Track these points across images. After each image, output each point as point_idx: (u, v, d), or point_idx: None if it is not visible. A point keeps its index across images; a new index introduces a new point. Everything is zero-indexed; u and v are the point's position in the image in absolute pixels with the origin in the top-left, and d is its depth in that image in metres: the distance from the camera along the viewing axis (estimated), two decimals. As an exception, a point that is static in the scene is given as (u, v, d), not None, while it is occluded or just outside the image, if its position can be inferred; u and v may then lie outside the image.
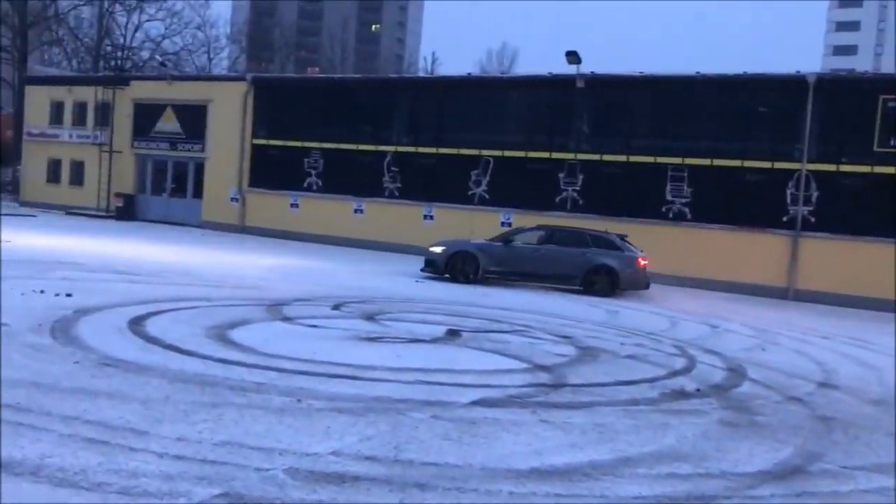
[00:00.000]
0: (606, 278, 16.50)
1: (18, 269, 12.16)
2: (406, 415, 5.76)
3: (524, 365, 8.09)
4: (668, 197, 20.95)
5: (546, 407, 6.36)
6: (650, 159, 21.21)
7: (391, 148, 24.87)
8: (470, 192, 23.51)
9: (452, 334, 9.48)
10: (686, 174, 20.81)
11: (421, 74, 51.56)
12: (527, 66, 62.98)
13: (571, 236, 17.37)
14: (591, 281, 16.50)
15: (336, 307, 11.20)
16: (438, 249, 17.26)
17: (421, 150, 24.43)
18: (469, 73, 29.03)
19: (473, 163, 23.46)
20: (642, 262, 16.83)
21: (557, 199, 22.27)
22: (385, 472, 4.54)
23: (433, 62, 64.46)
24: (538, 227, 18.23)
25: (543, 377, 7.57)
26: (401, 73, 55.06)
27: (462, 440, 5.26)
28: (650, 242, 18.69)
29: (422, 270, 17.26)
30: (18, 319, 8.11)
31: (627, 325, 12.08)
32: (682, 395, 7.32)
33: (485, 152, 23.32)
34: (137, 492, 3.93)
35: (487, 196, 23.31)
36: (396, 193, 24.72)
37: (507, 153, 23.13)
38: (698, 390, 7.54)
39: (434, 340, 9.11)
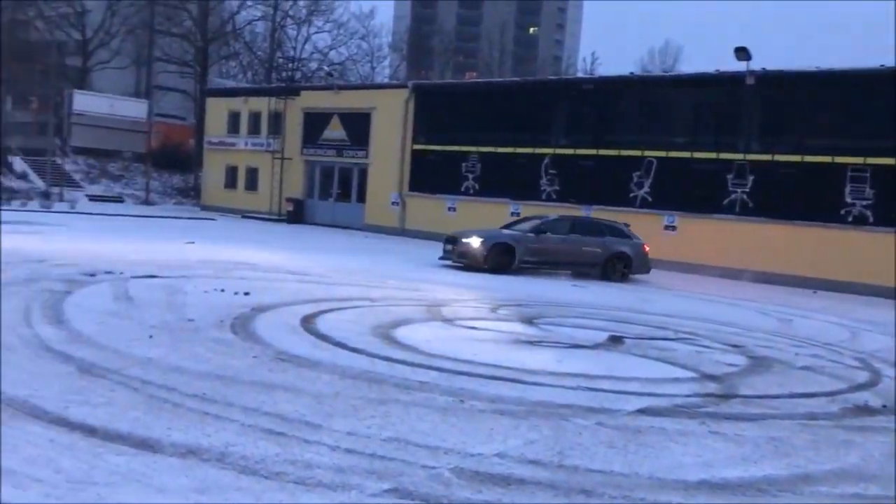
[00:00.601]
0: (622, 264, 17.82)
1: (202, 269, 13.06)
2: (569, 420, 5.68)
3: (691, 374, 7.79)
4: (848, 199, 19.60)
5: (716, 418, 6.09)
6: (827, 159, 19.93)
7: (549, 150, 24.76)
8: (631, 195, 23.02)
9: (615, 340, 9.27)
10: (868, 175, 19.39)
11: (580, 75, 50.96)
12: (691, 64, 60.68)
13: (591, 226, 18.66)
14: (609, 268, 17.64)
15: (494, 310, 11.25)
16: (476, 241, 17.07)
17: (580, 151, 24.18)
18: (631, 73, 28.41)
19: (635, 164, 22.95)
20: (647, 249, 18.41)
21: (725, 202, 21.38)
22: (549, 477, 4.49)
23: (593, 62, 63.72)
24: (561, 218, 18.98)
25: (712, 387, 7.25)
26: (559, 74, 54.68)
27: (627, 448, 5.13)
28: (825, 248, 17.55)
29: (441, 259, 17.61)
30: (203, 316, 8.70)
31: (801, 334, 11.39)
32: (865, 410, 6.80)
33: (647, 153, 22.76)
34: (312, 482, 4.09)
35: (650, 198, 22.72)
36: (554, 196, 24.59)
37: (672, 154, 22.46)
38: (884, 406, 6.98)
39: (596, 346, 8.96)
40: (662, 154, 22.59)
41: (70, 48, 48.50)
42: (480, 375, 6.81)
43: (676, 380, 7.47)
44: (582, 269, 17.71)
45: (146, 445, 4.44)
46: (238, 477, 4.09)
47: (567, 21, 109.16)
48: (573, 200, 23.94)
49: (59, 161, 37.29)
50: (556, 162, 24.60)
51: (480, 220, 25.50)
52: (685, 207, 21.91)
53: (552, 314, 11.33)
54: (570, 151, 24.41)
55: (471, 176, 26.51)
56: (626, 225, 18.63)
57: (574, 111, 25.06)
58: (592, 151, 23.93)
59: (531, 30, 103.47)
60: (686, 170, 22.08)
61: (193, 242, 18.27)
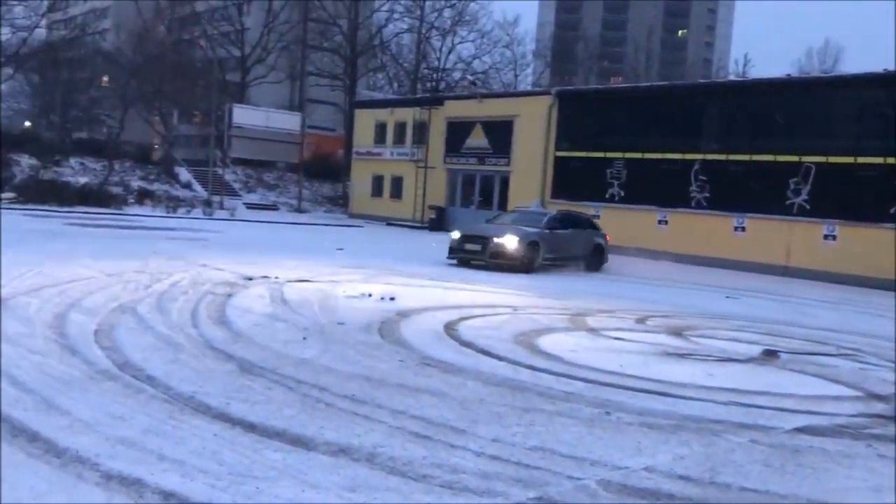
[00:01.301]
0: (599, 256, 18.80)
1: (351, 274, 13.50)
2: (721, 436, 5.46)
3: (855, 392, 7.30)
4: None
5: (884, 440, 5.67)
6: None
7: (699, 156, 23.94)
8: (788, 202, 21.87)
9: (770, 354, 8.82)
10: None
11: (731, 78, 49.02)
12: (853, 64, 57.06)
13: (577, 220, 19.28)
14: (593, 260, 18.53)
15: (640, 321, 10.98)
16: (512, 239, 16.64)
17: (732, 157, 23.23)
18: (788, 75, 27.03)
19: (792, 170, 21.81)
20: (609, 239, 19.40)
21: (893, 210, 19.91)
22: (700, 494, 4.33)
23: (745, 65, 61.15)
24: (560, 213, 19.23)
25: (879, 407, 6.76)
26: (709, 77, 52.86)
27: (785, 469, 4.87)
28: None
29: (450, 258, 17.31)
30: (352, 319, 8.99)
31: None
32: None
33: (805, 158, 21.57)
34: (458, 487, 4.13)
35: (808, 206, 21.51)
36: (704, 203, 23.74)
37: (832, 159, 21.17)
38: None
39: (749, 360, 8.56)
40: (822, 159, 21.35)
41: (230, 65, 51.48)
42: (627, 387, 6.66)
43: (838, 398, 7.02)
44: (579, 262, 18.24)
45: (301, 443, 4.63)
46: (387, 477, 4.19)
47: (717, 22, 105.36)
48: (724, 209, 23.02)
49: (219, 171, 39.64)
50: (706, 168, 23.75)
51: (626, 228, 25.03)
52: (848, 215, 20.59)
53: (702, 326, 10.93)
54: (721, 157, 23.50)
55: (616, 183, 26.04)
56: (596, 217, 19.83)
57: (726, 115, 24.09)
58: (745, 157, 22.93)
59: (679, 32, 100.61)
60: (849, 176, 20.76)
61: (342, 249, 18.93)
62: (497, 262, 16.54)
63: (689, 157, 24.15)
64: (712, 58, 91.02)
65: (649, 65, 71.74)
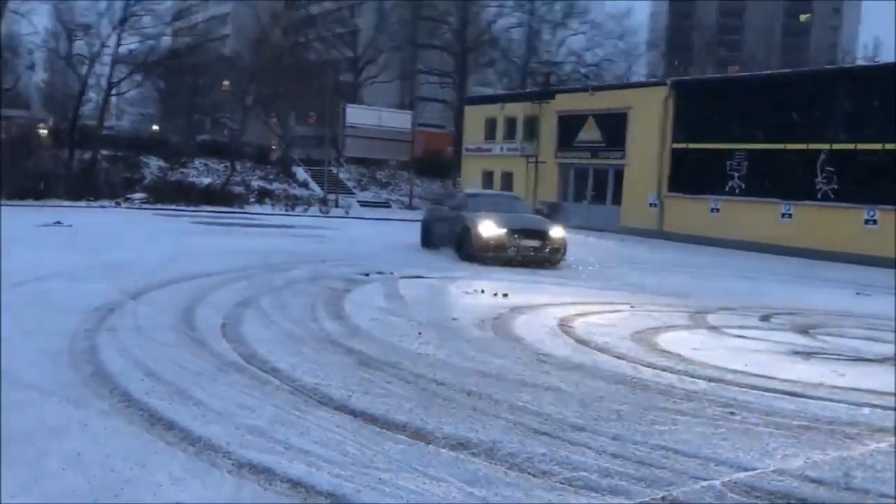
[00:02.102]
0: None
1: (461, 271, 13.57)
2: (856, 439, 5.17)
3: None
4: None
5: None
6: None
7: (825, 145, 22.74)
8: (925, 194, 20.52)
9: (907, 354, 8.31)
10: None
11: (861, 63, 46.46)
12: None
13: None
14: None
15: (764, 318, 10.54)
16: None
17: (861, 146, 21.95)
18: (922, 57, 25.34)
19: (928, 159, 20.44)
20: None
21: None
22: (835, 499, 4.12)
23: (875, 48, 57.82)
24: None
25: None
26: (836, 63, 50.21)
27: (930, 476, 4.56)
28: None
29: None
30: (465, 315, 9.03)
31: None
32: None
33: (944, 147, 20.17)
34: (579, 484, 4.08)
35: (946, 197, 20.12)
36: (832, 195, 22.54)
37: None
38: None
39: (883, 360, 8.08)
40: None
41: (343, 66, 52.69)
42: (753, 387, 6.40)
43: None
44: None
45: (420, 436, 4.68)
46: (507, 473, 4.18)
47: (844, 5, 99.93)
48: (853, 201, 21.82)
49: (334, 170, 40.66)
50: (835, 158, 22.54)
51: (747, 221, 24.12)
52: None
53: (831, 323, 10.40)
54: (850, 146, 22.25)
55: (736, 175, 25.09)
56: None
57: (855, 102, 22.76)
58: (877, 146, 21.62)
59: (802, 17, 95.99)
60: None
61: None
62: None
63: (814, 146, 23.00)
64: (838, 42, 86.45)
65: (770, 52, 68.84)
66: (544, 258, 14.79)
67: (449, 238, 15.70)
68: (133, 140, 40.93)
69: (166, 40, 48.28)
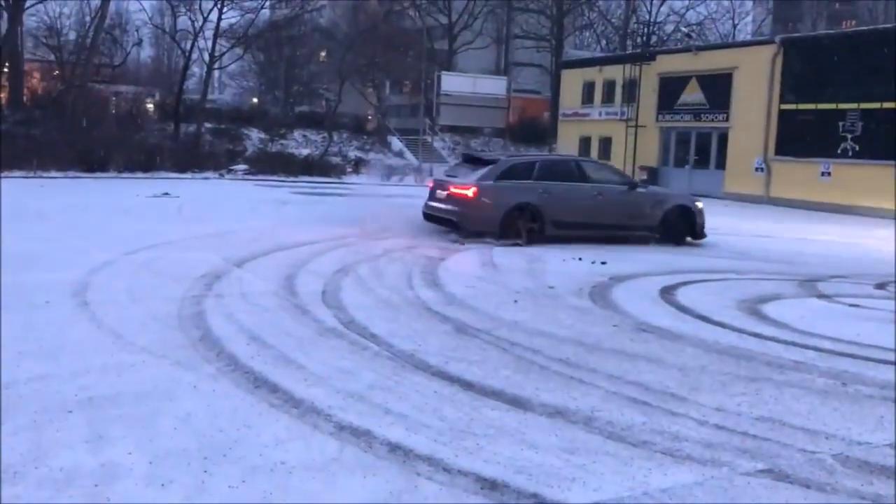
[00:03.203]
0: None
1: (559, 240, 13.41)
2: (981, 415, 4.87)
3: None
4: None
5: None
6: None
7: (948, 103, 21.31)
8: None
9: None
10: None
11: None
12: None
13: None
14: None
15: (880, 286, 10.02)
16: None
17: None
18: None
19: None
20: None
21: None
22: (957, 478, 3.89)
23: None
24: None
25: None
26: (959, 15, 46.84)
27: None
28: None
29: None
30: (562, 283, 8.94)
31: None
32: None
33: None
34: (681, 455, 3.99)
35: None
36: (953, 157, 21.16)
37: None
38: None
39: None
40: None
41: (438, 33, 52.51)
42: (866, 357, 6.11)
43: None
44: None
45: (517, 403, 4.68)
46: (605, 441, 4.13)
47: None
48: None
49: (429, 139, 40.78)
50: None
51: (860, 185, 22.93)
52: None
53: (953, 292, 9.80)
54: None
55: (849, 136, 23.80)
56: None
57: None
58: None
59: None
60: None
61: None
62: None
63: (936, 104, 21.57)
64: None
65: (888, 5, 64.69)
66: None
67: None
68: (234, 113, 42.01)
69: (265, 13, 49.21)
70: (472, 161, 14.24)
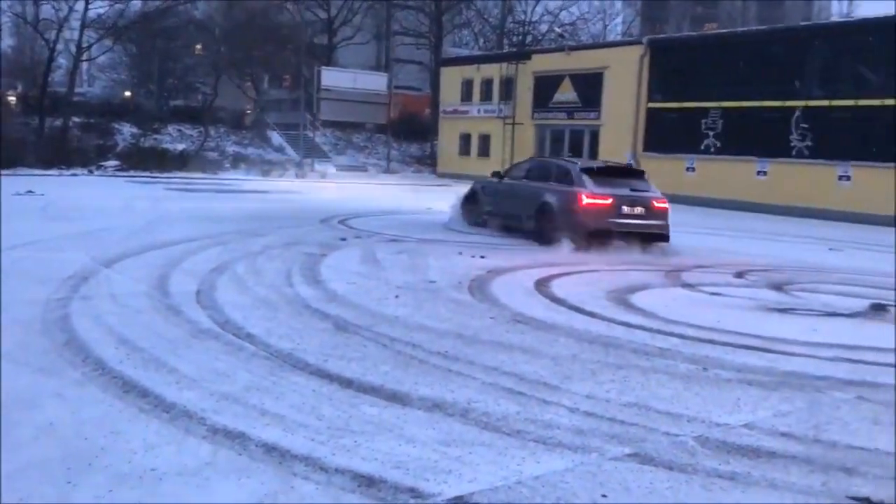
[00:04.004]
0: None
1: (441, 234, 13.55)
2: (825, 393, 5.27)
3: (972, 347, 6.91)
4: None
5: None
6: None
7: (800, 103, 22.86)
8: (896, 149, 20.72)
9: (878, 309, 8.43)
10: None
11: (835, 19, 46.46)
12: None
13: (551, 169, 13.77)
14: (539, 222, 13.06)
15: (739, 275, 10.66)
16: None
17: (836, 103, 22.06)
18: (896, 13, 25.30)
19: (901, 114, 20.59)
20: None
21: None
22: (804, 452, 4.20)
23: (850, 3, 57.80)
24: (527, 160, 15.86)
25: None
26: (811, 19, 50.24)
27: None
28: None
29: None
30: (443, 277, 9.04)
31: None
32: None
33: (918, 101, 20.32)
34: (552, 442, 4.12)
35: (919, 152, 20.32)
36: (806, 152, 22.72)
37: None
38: None
39: (854, 315, 8.21)
40: (936, 101, 20.08)
41: (317, 27, 51.85)
42: (725, 343, 6.49)
43: (954, 354, 6.66)
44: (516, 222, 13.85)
45: (396, 398, 4.71)
46: (481, 432, 4.22)
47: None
48: (827, 157, 21.99)
49: (310, 134, 40.26)
50: (809, 115, 22.65)
51: (722, 179, 24.26)
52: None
53: (804, 279, 10.54)
54: (825, 103, 22.35)
55: (711, 133, 25.17)
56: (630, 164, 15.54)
57: (829, 59, 22.82)
58: (851, 102, 21.74)
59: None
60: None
61: (431, 208, 18.99)
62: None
63: (789, 104, 23.10)
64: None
65: (746, 8, 68.63)
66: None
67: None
68: (105, 106, 40.12)
69: (136, 3, 47.24)
70: (605, 171, 13.42)
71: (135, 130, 36.28)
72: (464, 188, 15.99)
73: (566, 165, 13.60)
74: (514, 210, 13.76)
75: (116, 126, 36.14)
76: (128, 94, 53.48)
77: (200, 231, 12.15)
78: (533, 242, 12.89)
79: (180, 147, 35.05)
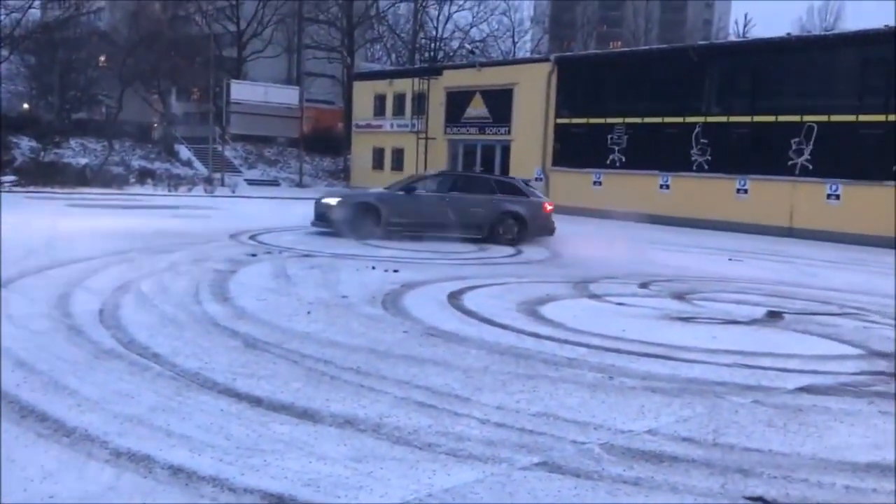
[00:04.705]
0: (514, 226, 15.94)
1: (354, 249, 13.51)
2: (724, 398, 5.50)
3: (858, 351, 7.33)
4: None
5: (886, 398, 5.71)
6: None
7: (700, 119, 23.82)
8: (790, 163, 21.80)
9: (773, 316, 8.85)
10: None
11: (732, 39, 48.58)
12: (854, 20, 56.45)
13: (476, 183, 17.11)
14: (498, 229, 15.84)
15: (643, 285, 11.00)
16: (333, 201, 15.71)
17: (733, 119, 23.10)
18: (788, 34, 26.72)
19: (794, 130, 21.68)
20: (548, 208, 16.47)
21: None
22: (704, 455, 4.37)
23: (746, 25, 60.58)
24: (440, 174, 18.08)
25: (882, 365, 6.80)
26: (709, 39, 52.33)
27: (788, 428, 4.91)
28: None
29: (313, 224, 15.98)
30: (355, 292, 9.02)
31: None
32: None
33: (808, 118, 21.43)
34: (464, 454, 4.17)
35: (811, 166, 21.43)
36: (706, 167, 23.67)
37: (834, 118, 21.04)
38: None
39: (752, 322, 8.59)
40: (824, 119, 21.22)
41: (226, 40, 51.05)
42: (630, 352, 6.70)
43: (841, 357, 7.05)
44: (465, 231, 15.64)
45: (307, 415, 4.68)
46: (392, 447, 4.23)
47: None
48: (725, 171, 22.96)
49: (219, 148, 39.52)
50: (708, 131, 23.62)
51: (628, 193, 24.98)
52: (850, 175, 20.50)
53: (706, 289, 10.95)
54: (722, 119, 23.37)
55: (617, 148, 25.94)
56: (527, 181, 18.07)
57: (727, 77, 23.89)
58: (747, 118, 22.80)
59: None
60: (851, 134, 20.64)
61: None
62: (322, 225, 15.66)
63: (690, 120, 24.03)
64: (713, 19, 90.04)
65: (649, 28, 71.07)
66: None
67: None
68: (2, 119, 38.45)
69: (34, 13, 45.54)
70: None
71: (34, 144, 34.86)
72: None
73: (508, 180, 17.43)
74: (447, 219, 15.43)
75: (14, 140, 34.63)
76: (26, 106, 51.41)
77: (105, 248, 11.77)
78: (445, 254, 13.03)
79: (83, 161, 33.85)
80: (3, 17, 35.83)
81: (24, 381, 5.06)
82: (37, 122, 40.50)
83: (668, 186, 24.58)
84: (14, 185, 27.27)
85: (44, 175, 29.02)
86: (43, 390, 4.91)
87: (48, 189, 27.12)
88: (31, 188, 26.98)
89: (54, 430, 4.24)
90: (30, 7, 39.11)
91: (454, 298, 8.96)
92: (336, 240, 14.77)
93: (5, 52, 38.32)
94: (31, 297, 7.94)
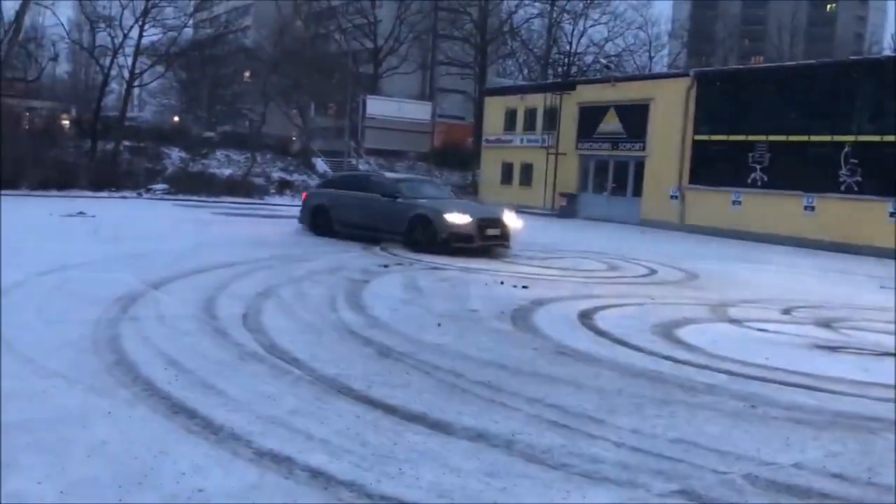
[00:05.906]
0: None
1: (484, 264, 13.56)
2: (879, 435, 5.14)
3: None
4: None
5: None
6: None
7: (850, 138, 22.48)
8: (950, 186, 20.23)
9: (931, 349, 8.21)
10: None
11: (887, 53, 45.81)
12: None
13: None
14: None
15: (786, 311, 10.47)
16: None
17: (887, 138, 21.67)
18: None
19: (954, 151, 20.14)
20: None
21: None
22: (858, 494, 4.10)
23: (901, 39, 57.01)
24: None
25: None
26: (862, 54, 49.63)
27: (953, 472, 4.52)
28: None
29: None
30: (485, 307, 9.04)
31: None
32: None
33: (971, 138, 19.86)
34: (598, 476, 4.08)
35: (973, 190, 19.84)
36: (856, 188, 22.30)
37: None
38: None
39: (907, 354, 8.00)
40: None
41: (363, 57, 52.66)
42: (774, 381, 6.37)
43: None
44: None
45: (440, 427, 4.71)
46: (526, 465, 4.19)
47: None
48: (878, 193, 21.58)
49: (353, 161, 40.70)
50: (859, 151, 22.28)
51: (769, 214, 23.91)
52: None
53: (854, 317, 10.30)
54: (875, 138, 21.97)
55: (758, 167, 24.85)
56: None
57: (881, 94, 22.45)
58: (901, 137, 21.35)
59: (829, 7, 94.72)
60: None
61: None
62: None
63: (838, 139, 22.74)
64: (865, 33, 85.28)
65: (794, 43, 68.04)
66: (500, 245, 15.06)
67: (381, 226, 15.20)
68: (155, 131, 41.06)
69: (188, 32, 48.44)
70: None
71: (183, 155, 37.03)
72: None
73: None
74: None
75: (165, 150, 36.93)
76: (177, 119, 54.73)
77: (246, 255, 12.32)
78: (575, 272, 12.85)
79: (227, 172, 35.65)
80: (159, 35, 38.32)
81: (175, 379, 5.35)
82: (186, 133, 43.00)
83: (812, 208, 23.33)
84: (165, 193, 29.04)
85: (192, 184, 30.74)
86: (192, 388, 5.17)
87: (195, 197, 28.71)
88: (180, 195, 28.63)
89: (203, 427, 4.45)
90: (185, 26, 41.63)
91: (585, 317, 8.82)
92: (465, 255, 14.86)
93: (160, 69, 40.91)
94: (181, 299, 8.40)
